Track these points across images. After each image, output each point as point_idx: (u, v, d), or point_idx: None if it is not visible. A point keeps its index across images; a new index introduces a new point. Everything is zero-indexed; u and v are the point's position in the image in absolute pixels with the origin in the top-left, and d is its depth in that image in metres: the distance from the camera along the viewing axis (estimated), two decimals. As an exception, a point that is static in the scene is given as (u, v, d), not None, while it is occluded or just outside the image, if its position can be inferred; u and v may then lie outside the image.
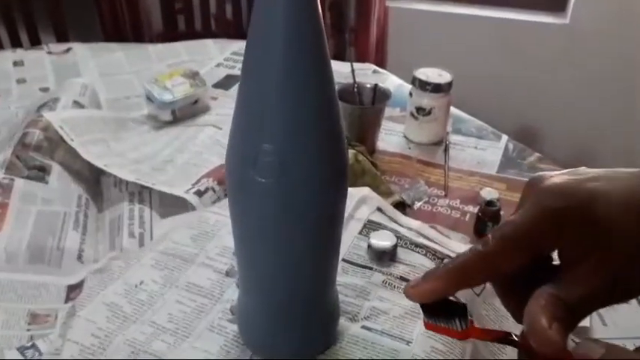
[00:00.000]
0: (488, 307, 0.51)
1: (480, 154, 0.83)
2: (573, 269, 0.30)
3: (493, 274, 0.33)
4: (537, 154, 0.83)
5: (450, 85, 0.80)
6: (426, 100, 0.81)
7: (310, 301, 0.42)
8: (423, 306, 0.33)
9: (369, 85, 0.81)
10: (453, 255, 0.54)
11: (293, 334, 0.44)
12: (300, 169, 0.34)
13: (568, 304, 0.29)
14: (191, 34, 1.50)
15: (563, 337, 0.28)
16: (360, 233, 0.56)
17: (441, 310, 0.33)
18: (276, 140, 0.33)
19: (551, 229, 0.30)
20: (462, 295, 0.40)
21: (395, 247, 0.53)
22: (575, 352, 0.28)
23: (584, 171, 0.32)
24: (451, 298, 0.33)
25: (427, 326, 0.33)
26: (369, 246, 0.53)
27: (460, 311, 0.33)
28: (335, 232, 0.40)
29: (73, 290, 0.58)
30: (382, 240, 0.53)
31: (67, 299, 0.57)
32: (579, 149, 1.71)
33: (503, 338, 0.33)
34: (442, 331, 0.34)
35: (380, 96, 0.80)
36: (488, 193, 0.71)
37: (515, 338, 0.32)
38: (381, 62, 1.56)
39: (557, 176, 0.32)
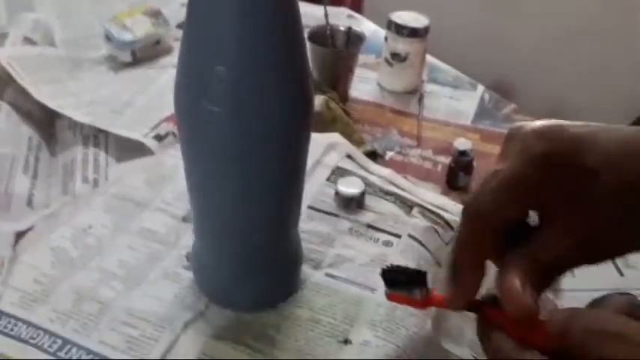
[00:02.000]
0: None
1: (455, 104, 0.80)
2: (552, 226, 0.29)
3: (496, 233, 0.31)
4: (513, 105, 0.80)
5: (426, 30, 0.77)
6: (402, 45, 0.77)
7: (270, 247, 0.40)
8: (384, 277, 0.33)
9: (342, 28, 0.77)
10: (423, 203, 0.52)
11: (252, 282, 0.41)
12: (257, 98, 0.30)
13: (544, 264, 0.29)
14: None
15: (536, 301, 0.28)
16: (327, 180, 0.53)
17: (402, 279, 0.32)
18: (230, 62, 0.29)
19: (539, 174, 0.29)
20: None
21: (363, 194, 0.50)
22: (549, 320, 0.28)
23: (566, 121, 0.31)
24: (411, 267, 0.33)
25: (389, 297, 0.33)
26: (337, 192, 0.50)
27: (421, 280, 0.32)
28: (296, 173, 0.37)
29: (22, 236, 0.55)
30: (350, 187, 0.50)
31: (16, 245, 0.53)
32: (554, 103, 1.70)
33: (471, 306, 0.32)
34: (403, 301, 0.33)
35: (354, 40, 0.76)
36: (462, 143, 0.69)
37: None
38: (357, 7, 1.50)
39: (539, 123, 0.30)
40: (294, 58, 0.32)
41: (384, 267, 0.33)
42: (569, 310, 0.28)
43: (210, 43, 0.29)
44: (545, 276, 0.29)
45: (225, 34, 0.29)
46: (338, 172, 0.54)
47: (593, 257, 0.30)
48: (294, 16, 0.31)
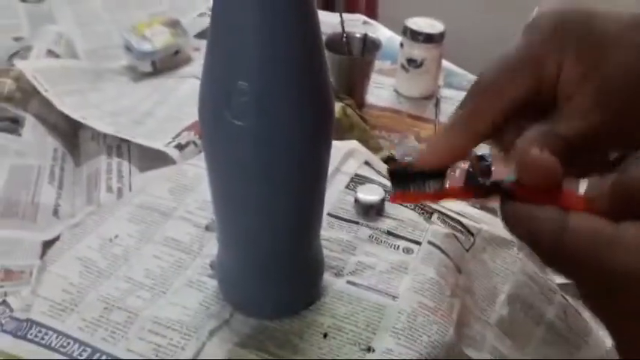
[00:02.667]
0: (477, 263, 0.50)
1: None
2: (571, 102, 0.27)
3: (506, 106, 0.28)
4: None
5: (442, 35, 0.77)
6: (418, 51, 0.77)
7: (292, 255, 0.40)
8: (392, 178, 0.29)
9: (358, 35, 0.78)
10: (442, 210, 0.52)
11: (275, 290, 0.42)
12: (279, 111, 0.31)
13: (565, 138, 0.26)
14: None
15: (555, 161, 0.24)
16: (346, 187, 0.53)
17: (415, 181, 0.28)
18: (253, 77, 0.30)
19: (551, 45, 0.27)
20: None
21: (382, 201, 0.50)
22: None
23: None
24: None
25: (394, 198, 0.29)
26: (356, 200, 0.51)
27: (436, 177, 0.29)
28: (318, 183, 0.37)
29: (49, 246, 0.56)
30: (369, 194, 0.51)
31: (43, 255, 0.55)
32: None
33: (487, 189, 0.29)
34: (411, 198, 0.29)
35: (370, 46, 0.77)
36: (480, 148, 0.69)
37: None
38: (371, 14, 1.51)
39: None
40: (314, 69, 0.32)
41: (391, 166, 0.30)
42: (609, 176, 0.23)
43: (233, 59, 0.30)
44: (570, 147, 0.26)
45: (247, 51, 0.30)
46: (357, 180, 0.54)
47: (618, 141, 0.27)
48: (314, 28, 0.31)
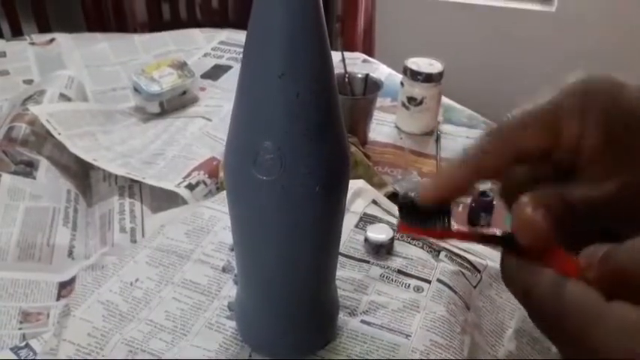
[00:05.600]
0: (484, 299, 0.51)
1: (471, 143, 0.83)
2: (589, 169, 0.27)
3: (513, 154, 0.28)
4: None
5: (441, 74, 0.80)
6: (418, 90, 0.80)
7: (310, 298, 0.42)
8: (401, 210, 0.30)
9: (360, 75, 0.80)
10: (449, 247, 0.54)
11: (293, 332, 0.43)
12: (302, 166, 0.33)
13: (567, 201, 0.26)
14: (176, 24, 1.48)
15: (548, 223, 0.24)
16: (356, 226, 0.55)
17: (422, 215, 0.29)
18: (277, 138, 0.32)
19: (573, 110, 0.27)
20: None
21: (392, 240, 0.52)
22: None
23: None
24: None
25: (401, 229, 0.30)
26: (366, 239, 0.53)
27: (442, 214, 0.29)
28: (336, 228, 0.39)
29: (65, 287, 0.57)
30: (379, 233, 0.53)
31: (59, 296, 0.56)
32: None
33: (489, 238, 0.29)
34: (418, 232, 0.30)
35: (371, 86, 0.80)
36: (482, 184, 0.71)
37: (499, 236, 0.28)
38: (368, 51, 1.55)
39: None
40: (332, 123, 0.35)
41: (402, 196, 0.30)
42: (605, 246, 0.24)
43: (259, 122, 0.32)
44: (571, 211, 0.26)
45: (272, 113, 0.32)
46: (366, 219, 0.56)
47: (629, 214, 0.27)
48: (332, 79, 0.34)
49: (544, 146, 0.28)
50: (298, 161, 0.33)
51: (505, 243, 0.27)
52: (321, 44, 0.32)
